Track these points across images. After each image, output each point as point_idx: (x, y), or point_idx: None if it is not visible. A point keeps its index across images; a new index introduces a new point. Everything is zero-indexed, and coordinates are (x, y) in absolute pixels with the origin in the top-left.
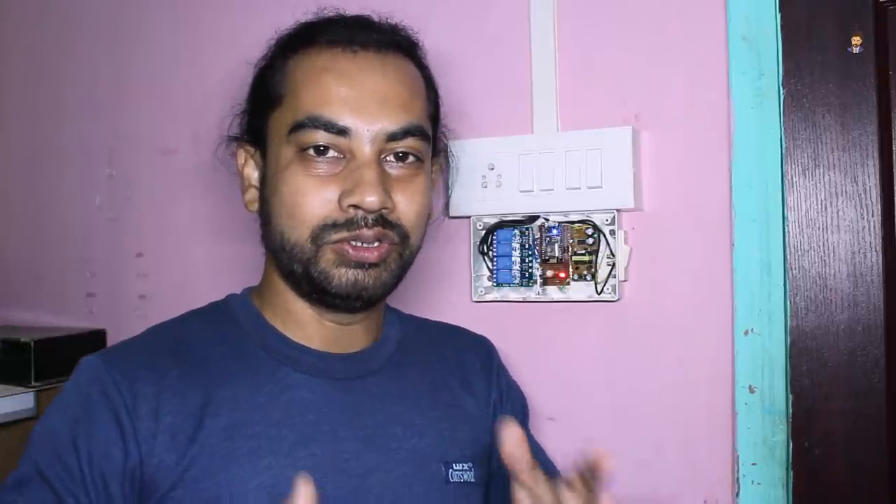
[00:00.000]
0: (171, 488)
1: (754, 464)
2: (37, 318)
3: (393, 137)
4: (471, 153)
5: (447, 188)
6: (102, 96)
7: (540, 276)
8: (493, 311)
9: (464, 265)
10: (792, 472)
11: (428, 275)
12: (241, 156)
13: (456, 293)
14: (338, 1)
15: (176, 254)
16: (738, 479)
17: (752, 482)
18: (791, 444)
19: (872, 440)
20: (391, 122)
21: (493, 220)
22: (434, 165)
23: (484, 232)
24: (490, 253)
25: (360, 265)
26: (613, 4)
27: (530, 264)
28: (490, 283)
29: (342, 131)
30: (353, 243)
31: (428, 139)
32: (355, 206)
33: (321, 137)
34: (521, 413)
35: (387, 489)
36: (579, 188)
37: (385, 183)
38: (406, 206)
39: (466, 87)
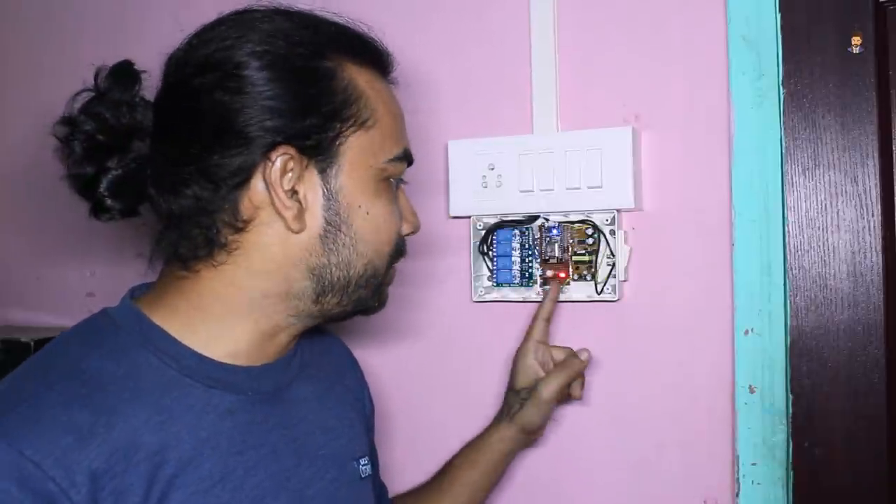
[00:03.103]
0: None
1: (754, 464)
2: (37, 318)
3: None
4: (471, 153)
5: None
6: None
7: (540, 276)
8: (493, 311)
9: (464, 265)
10: (792, 472)
11: (428, 275)
12: (283, 163)
13: (456, 293)
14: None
15: None
16: (738, 479)
17: (752, 482)
18: (791, 444)
19: (872, 440)
20: None
21: (492, 220)
22: None
23: (484, 232)
24: (490, 253)
25: None
26: (613, 4)
27: (530, 264)
28: (490, 283)
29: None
30: None
31: None
32: (411, 232)
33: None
34: (371, 406)
35: (324, 498)
36: (579, 188)
37: None
38: None
39: (466, 86)
